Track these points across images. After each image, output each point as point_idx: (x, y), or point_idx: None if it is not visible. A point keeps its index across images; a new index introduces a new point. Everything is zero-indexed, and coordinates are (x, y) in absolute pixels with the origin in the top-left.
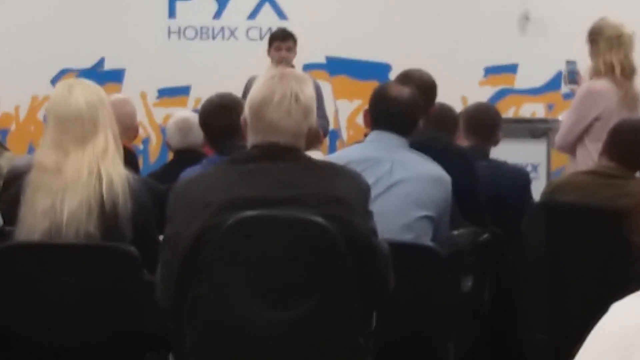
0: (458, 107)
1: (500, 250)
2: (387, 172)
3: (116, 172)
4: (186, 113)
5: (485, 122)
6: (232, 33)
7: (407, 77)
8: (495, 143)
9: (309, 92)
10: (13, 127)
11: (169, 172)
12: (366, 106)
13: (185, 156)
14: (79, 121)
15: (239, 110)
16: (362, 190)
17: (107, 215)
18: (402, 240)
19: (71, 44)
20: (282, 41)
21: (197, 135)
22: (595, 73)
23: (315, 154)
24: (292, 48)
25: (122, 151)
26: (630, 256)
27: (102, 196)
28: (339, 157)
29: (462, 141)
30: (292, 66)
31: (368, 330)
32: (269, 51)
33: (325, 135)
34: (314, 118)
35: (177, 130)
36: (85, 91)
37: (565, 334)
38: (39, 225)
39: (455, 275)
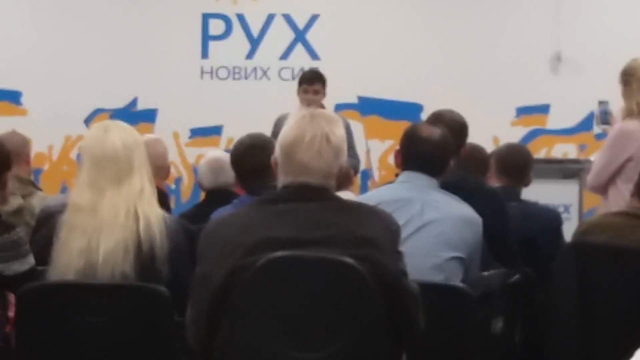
0: (490, 148)
1: (531, 292)
2: (418, 212)
3: (153, 213)
4: (218, 153)
5: (517, 163)
6: (265, 73)
7: (438, 118)
8: (527, 184)
9: (339, 133)
10: (46, 167)
11: (200, 212)
12: (397, 146)
13: (216, 196)
14: (115, 161)
15: (269, 151)
16: (392, 230)
17: (144, 255)
18: (433, 281)
19: (104, 84)
20: (309, 84)
21: (229, 175)
22: (628, 114)
23: (347, 195)
24: (320, 90)
25: (156, 192)
26: None
27: (139, 237)
28: (370, 197)
29: (494, 182)
30: (322, 106)
31: None
32: (298, 92)
33: (356, 174)
34: (344, 158)
35: (209, 170)
36: (121, 132)
37: None
38: (73, 265)
39: (486, 316)
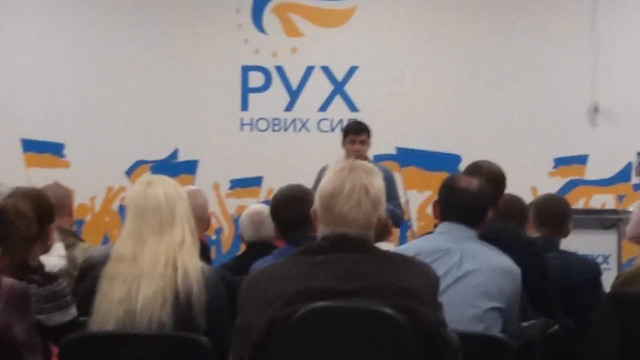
0: (528, 198)
1: (571, 342)
2: (457, 263)
3: (192, 264)
4: (259, 206)
5: (555, 214)
6: (304, 125)
7: (476, 169)
8: (566, 234)
9: (378, 184)
10: (89, 218)
11: (240, 263)
12: (436, 197)
13: (257, 248)
14: (157, 212)
15: (309, 202)
16: (431, 281)
17: (181, 305)
18: (472, 331)
19: (145, 136)
20: (356, 134)
21: (269, 228)
22: None
23: (386, 245)
24: (366, 141)
25: (198, 244)
26: None
27: (177, 286)
28: (409, 248)
29: (532, 232)
30: (366, 158)
31: None
32: (343, 143)
33: (398, 225)
34: (383, 209)
35: (250, 223)
36: (164, 185)
37: None
38: (113, 313)
39: None
